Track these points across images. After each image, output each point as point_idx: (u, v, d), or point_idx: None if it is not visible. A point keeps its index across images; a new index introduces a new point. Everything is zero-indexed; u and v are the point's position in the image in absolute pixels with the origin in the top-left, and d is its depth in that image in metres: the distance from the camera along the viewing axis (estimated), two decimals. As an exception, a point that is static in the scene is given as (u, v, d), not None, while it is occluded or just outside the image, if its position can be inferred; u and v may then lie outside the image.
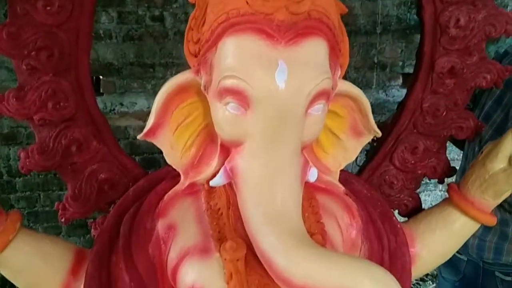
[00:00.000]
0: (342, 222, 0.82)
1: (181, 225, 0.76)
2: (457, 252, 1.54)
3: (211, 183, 0.74)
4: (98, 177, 0.87)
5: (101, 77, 2.60)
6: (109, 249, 0.77)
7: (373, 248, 0.84)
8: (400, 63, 2.91)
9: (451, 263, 1.61)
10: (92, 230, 0.92)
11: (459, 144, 1.47)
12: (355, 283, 0.58)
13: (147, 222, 0.77)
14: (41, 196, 2.77)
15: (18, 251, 0.76)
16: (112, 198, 0.88)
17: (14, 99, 0.79)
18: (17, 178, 2.72)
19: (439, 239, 0.89)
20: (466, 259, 1.54)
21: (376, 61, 2.87)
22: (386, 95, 2.94)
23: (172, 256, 0.75)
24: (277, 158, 0.66)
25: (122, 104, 2.64)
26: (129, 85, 2.61)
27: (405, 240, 0.87)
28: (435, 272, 2.70)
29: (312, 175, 0.75)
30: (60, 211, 0.88)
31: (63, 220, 0.88)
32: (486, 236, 1.43)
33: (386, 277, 0.60)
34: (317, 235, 0.75)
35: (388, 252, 0.85)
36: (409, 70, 2.86)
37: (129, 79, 2.60)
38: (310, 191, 0.82)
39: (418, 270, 0.89)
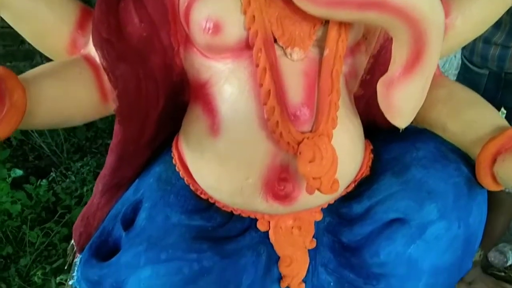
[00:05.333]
0: None
1: None
2: (477, 66, 1.51)
3: None
4: None
5: None
6: (116, -5, 0.71)
7: None
8: None
9: (472, 81, 1.56)
10: None
11: None
12: None
13: None
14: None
15: None
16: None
17: None
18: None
19: (477, 5, 0.80)
20: (487, 73, 1.49)
21: None
22: None
23: None
24: None
25: None
26: None
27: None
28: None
29: None
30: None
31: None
32: (510, 42, 1.35)
33: None
34: None
35: None
36: None
37: None
38: None
39: (451, 40, 0.81)
